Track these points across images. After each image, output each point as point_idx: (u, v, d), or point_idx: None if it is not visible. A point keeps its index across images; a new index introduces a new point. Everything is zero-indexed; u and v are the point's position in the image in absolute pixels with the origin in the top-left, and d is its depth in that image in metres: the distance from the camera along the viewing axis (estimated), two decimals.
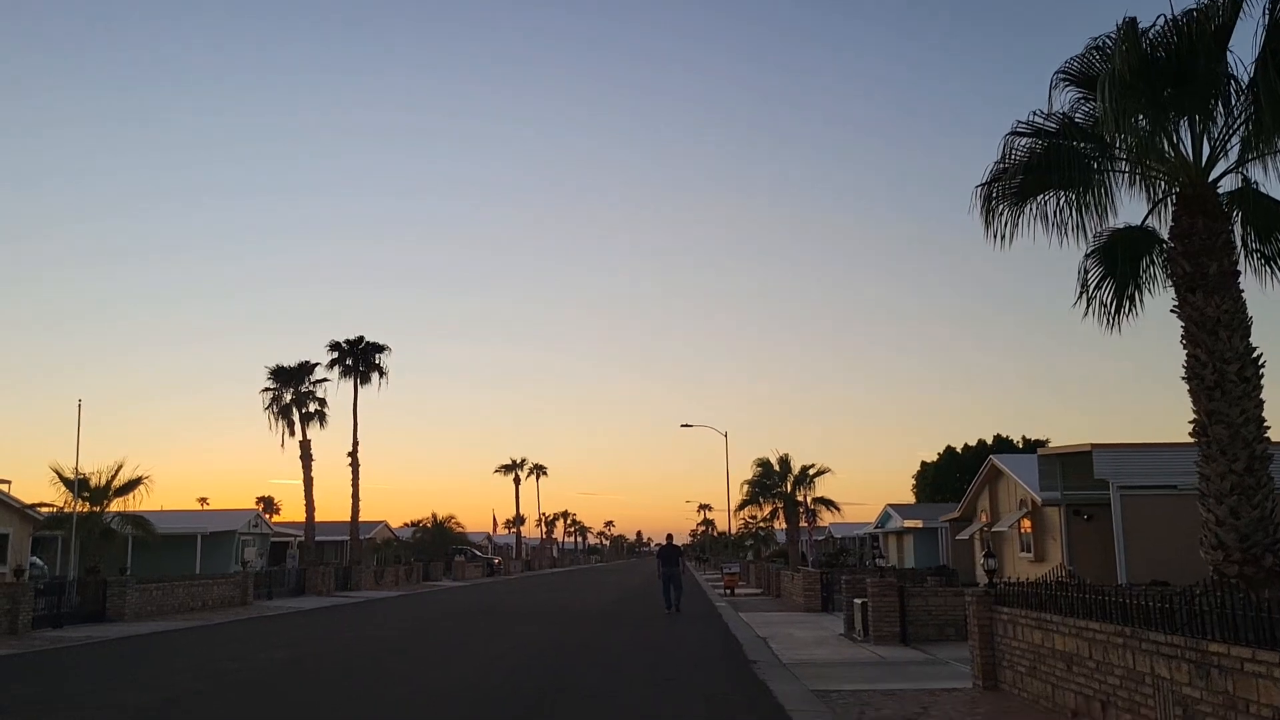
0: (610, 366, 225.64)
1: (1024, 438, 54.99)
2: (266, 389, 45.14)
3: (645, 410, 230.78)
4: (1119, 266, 12.43)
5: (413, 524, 70.10)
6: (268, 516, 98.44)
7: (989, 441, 57.09)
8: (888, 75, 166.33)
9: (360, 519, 61.76)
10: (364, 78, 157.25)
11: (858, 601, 18.18)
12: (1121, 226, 12.60)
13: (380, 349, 50.39)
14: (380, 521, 64.77)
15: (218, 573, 34.77)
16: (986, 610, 11.23)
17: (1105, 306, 12.99)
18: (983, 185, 12.53)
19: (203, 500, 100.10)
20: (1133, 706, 7.80)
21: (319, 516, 57.07)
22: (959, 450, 57.76)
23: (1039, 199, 12.67)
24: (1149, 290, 13.03)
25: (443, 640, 17.98)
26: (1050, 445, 25.74)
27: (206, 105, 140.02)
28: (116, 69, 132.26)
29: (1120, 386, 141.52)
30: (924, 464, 60.08)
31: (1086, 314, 13.05)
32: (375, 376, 50.25)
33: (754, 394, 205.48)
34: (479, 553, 71.12)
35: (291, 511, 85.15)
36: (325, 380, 46.64)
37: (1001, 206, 12.88)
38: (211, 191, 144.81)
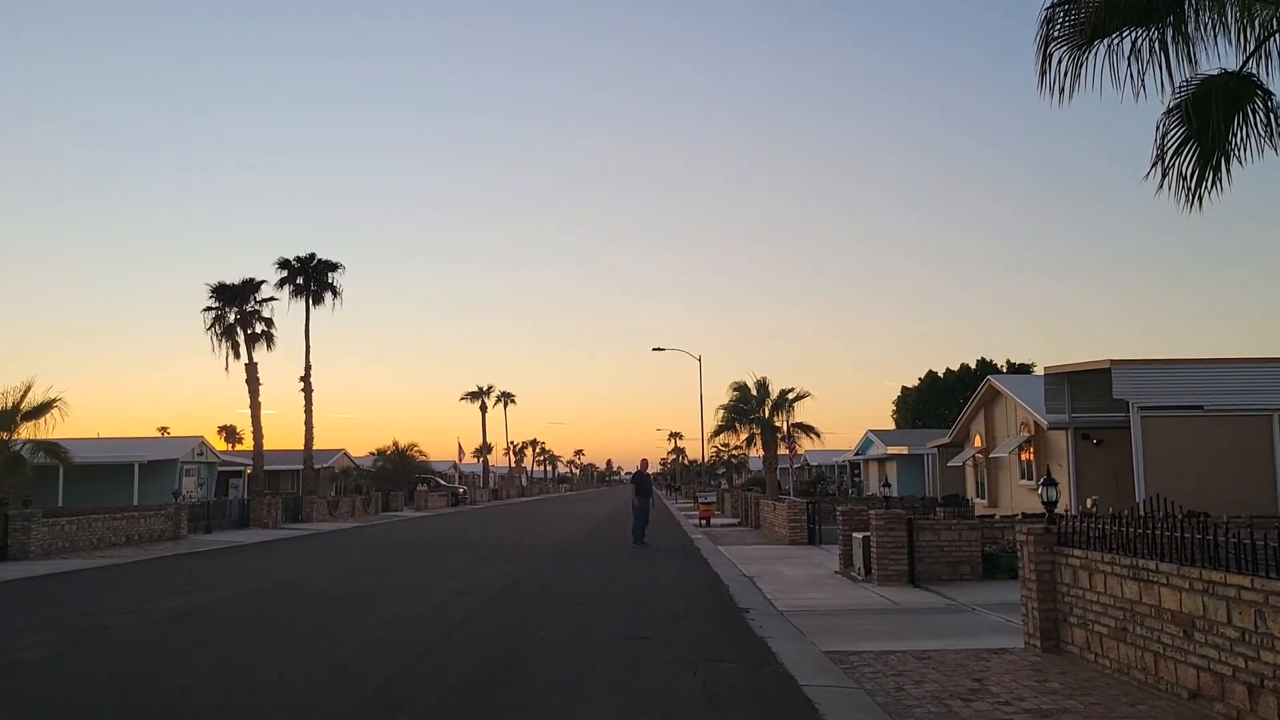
0: (581, 291, 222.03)
1: (1008, 361, 53.13)
2: (208, 308, 42.10)
3: (617, 337, 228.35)
4: (1212, 122, 9.84)
5: (377, 453, 67.57)
6: (229, 446, 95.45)
7: (972, 366, 55.22)
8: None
9: (318, 447, 59.17)
10: None
11: (858, 536, 15.93)
12: (1215, 72, 9.99)
13: (334, 267, 47.53)
14: (339, 450, 62.24)
15: (155, 504, 32.09)
16: (1047, 553, 8.87)
17: (1185, 178, 10.46)
18: (1047, 9, 9.88)
19: (163, 430, 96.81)
20: None
21: (279, 445, 54.41)
22: (941, 375, 55.79)
23: (1112, 38, 10.03)
24: (1238, 158, 10.50)
25: (381, 583, 15.54)
26: (1051, 366, 23.46)
27: (154, 10, 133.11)
28: None
29: (1104, 313, 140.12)
30: (905, 389, 58.12)
31: (1162, 186, 10.49)
32: (329, 297, 47.57)
33: (727, 322, 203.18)
34: (443, 482, 68.76)
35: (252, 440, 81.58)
36: (273, 299, 43.68)
37: (1060, 52, 10.28)
38: (155, 102, 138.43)
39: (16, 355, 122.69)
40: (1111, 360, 20.42)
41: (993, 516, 17.47)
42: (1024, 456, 26.34)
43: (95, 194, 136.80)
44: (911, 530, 14.97)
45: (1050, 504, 9.09)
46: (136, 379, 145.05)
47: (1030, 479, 26.02)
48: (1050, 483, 9.21)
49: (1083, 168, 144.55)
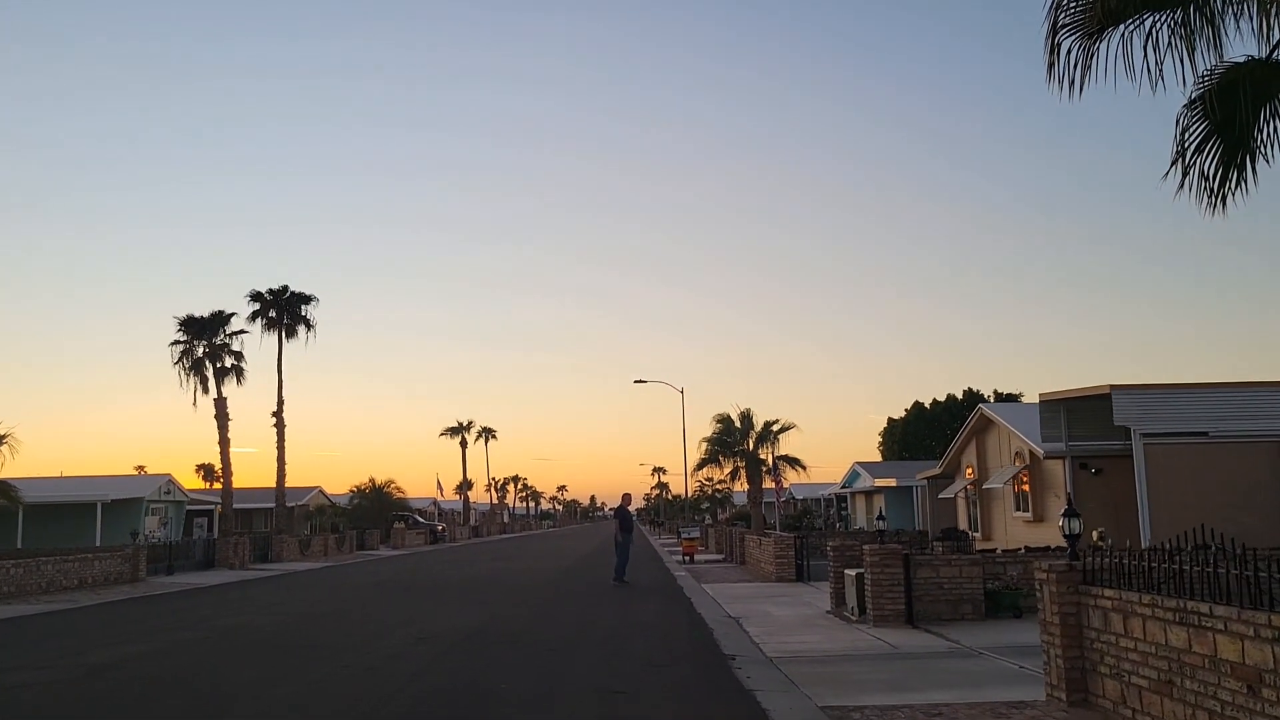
0: (563, 324, 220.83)
1: (995, 391, 52.35)
2: (176, 341, 40.83)
3: (599, 372, 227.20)
4: (1238, 115, 8.97)
5: (355, 490, 66.07)
6: (208, 485, 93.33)
7: (959, 397, 54.47)
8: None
9: (294, 485, 57.67)
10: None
11: (850, 573, 14.90)
12: (1242, 60, 9.13)
13: (307, 300, 46.39)
14: (314, 487, 60.75)
15: (112, 545, 30.71)
16: (1071, 593, 7.85)
17: (1207, 178, 9.58)
18: None
19: (139, 468, 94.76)
20: None
21: (256, 483, 52.97)
22: (928, 406, 54.92)
23: (1127, 24, 9.18)
24: (1265, 155, 9.63)
25: (336, 629, 14.35)
26: (1046, 392, 22.54)
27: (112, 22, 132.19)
28: None
29: (1095, 341, 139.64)
30: (891, 421, 57.23)
31: (1182, 187, 9.61)
32: (302, 330, 46.37)
33: (710, 354, 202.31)
34: (421, 519, 67.27)
35: (238, 477, 78.50)
36: (243, 332, 42.46)
37: (1069, 41, 9.43)
38: (118, 123, 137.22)
39: None
40: (1111, 385, 19.53)
41: (994, 551, 16.44)
42: (1018, 488, 25.38)
43: (62, 220, 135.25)
44: (909, 567, 13.96)
45: (1073, 537, 8.08)
46: (111, 417, 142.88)
47: (1025, 510, 25.05)
48: (1073, 514, 8.21)
49: (1072, 196, 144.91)
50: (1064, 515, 8.36)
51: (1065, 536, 8.23)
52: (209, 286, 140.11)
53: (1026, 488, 24.90)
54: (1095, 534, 17.38)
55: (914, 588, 13.89)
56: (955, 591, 14.04)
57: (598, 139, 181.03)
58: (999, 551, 15.83)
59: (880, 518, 16.20)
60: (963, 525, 29.94)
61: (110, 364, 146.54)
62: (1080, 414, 22.32)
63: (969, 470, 29.32)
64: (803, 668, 10.22)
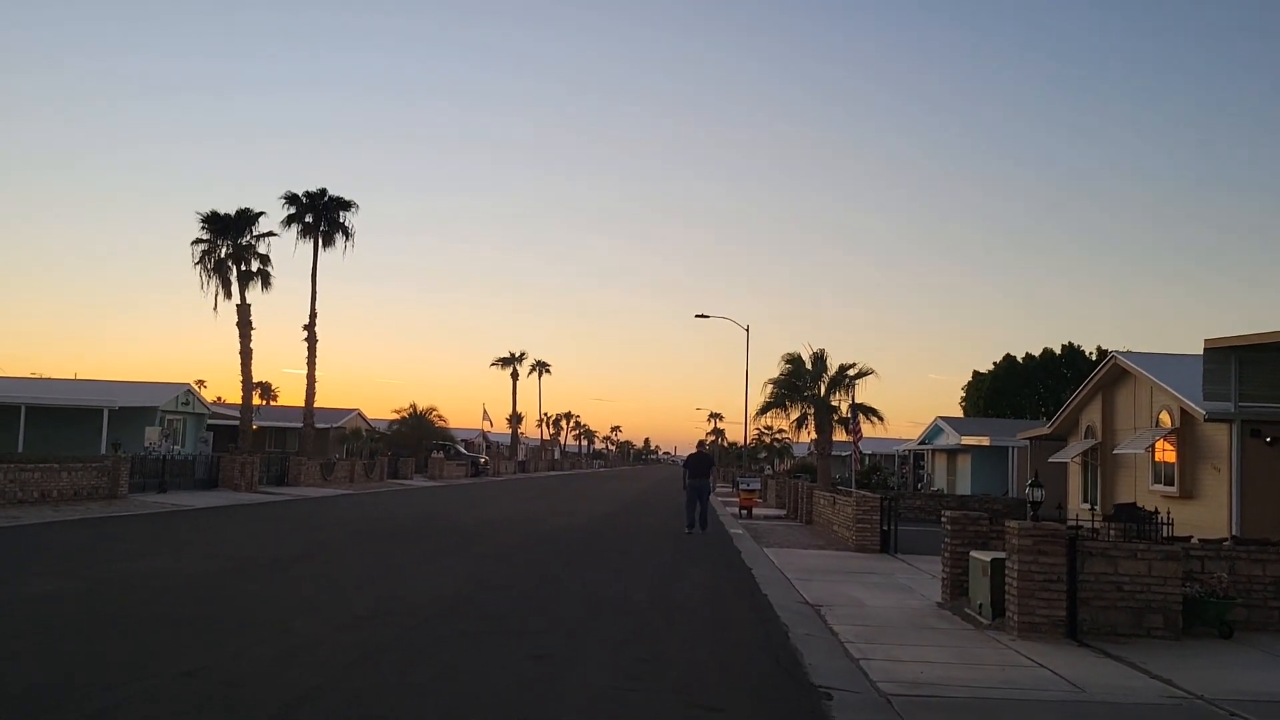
0: (625, 262, 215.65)
1: (1099, 348, 47.10)
2: (198, 240, 37.36)
3: (660, 314, 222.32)
4: None
5: (398, 415, 63.01)
6: (264, 402, 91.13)
7: (1056, 351, 49.30)
8: None
9: (330, 406, 54.78)
10: None
11: (981, 557, 10.63)
12: None
13: (346, 205, 42.87)
14: (352, 410, 57.69)
15: (91, 456, 27.48)
16: None
17: None
18: None
19: (200, 383, 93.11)
20: None
21: (291, 402, 49.98)
22: (1020, 359, 49.75)
23: None
24: None
25: (257, 592, 10.42)
26: (1214, 338, 17.74)
27: None
28: None
29: (1203, 298, 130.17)
30: (977, 375, 52.12)
31: None
32: (340, 239, 42.84)
33: (774, 305, 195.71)
34: (464, 450, 64.11)
35: (286, 397, 75.64)
36: (271, 234, 38.86)
37: None
38: (146, 29, 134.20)
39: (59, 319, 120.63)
40: None
41: (1188, 539, 12.01)
42: (1160, 455, 20.69)
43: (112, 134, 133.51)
44: (1074, 556, 9.63)
45: None
46: (167, 334, 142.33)
47: (1168, 484, 20.39)
48: None
49: (1183, 149, 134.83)
50: None
51: None
52: (258, 197, 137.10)
53: (1171, 456, 20.22)
54: None
55: (1080, 587, 9.60)
56: (1141, 596, 9.71)
57: (669, 82, 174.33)
58: (1194, 541, 11.39)
59: (1035, 483, 11.81)
60: (1075, 496, 25.34)
61: (170, 279, 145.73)
62: (1259, 366, 17.60)
63: (1086, 431, 24.65)
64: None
